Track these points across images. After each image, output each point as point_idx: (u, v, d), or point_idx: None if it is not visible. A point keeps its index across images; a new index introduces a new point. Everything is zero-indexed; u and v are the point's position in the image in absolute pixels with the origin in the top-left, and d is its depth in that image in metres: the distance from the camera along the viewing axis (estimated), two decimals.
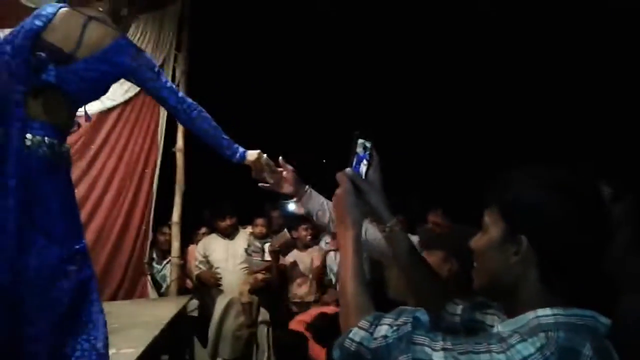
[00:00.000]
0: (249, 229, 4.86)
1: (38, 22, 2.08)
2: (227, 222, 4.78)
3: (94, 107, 4.55)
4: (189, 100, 2.19)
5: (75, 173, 4.45)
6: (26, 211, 1.94)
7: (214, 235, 4.86)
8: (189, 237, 5.22)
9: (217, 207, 4.87)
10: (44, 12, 2.11)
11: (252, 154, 2.17)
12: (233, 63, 6.40)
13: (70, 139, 4.77)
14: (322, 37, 6.35)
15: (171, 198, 4.81)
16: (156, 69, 2.17)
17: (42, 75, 2.02)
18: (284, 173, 1.98)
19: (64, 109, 2.10)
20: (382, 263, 2.28)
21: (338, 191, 1.29)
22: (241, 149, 2.20)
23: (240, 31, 6.17)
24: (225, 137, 2.21)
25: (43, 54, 2.02)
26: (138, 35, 4.57)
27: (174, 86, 2.25)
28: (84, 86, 2.09)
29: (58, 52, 2.05)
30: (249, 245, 4.70)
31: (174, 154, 4.81)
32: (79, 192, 4.48)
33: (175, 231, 4.78)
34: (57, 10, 2.13)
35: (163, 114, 4.71)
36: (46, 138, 2.01)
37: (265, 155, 2.14)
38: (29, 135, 1.98)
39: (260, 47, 6.40)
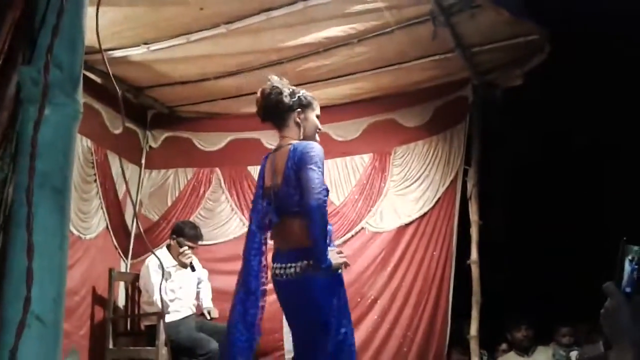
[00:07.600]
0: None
1: None
2: (523, 332, 4.62)
3: (393, 223, 4.94)
4: None
5: (378, 283, 4.83)
6: None
7: (511, 354, 4.63)
8: (491, 355, 5.03)
9: (513, 317, 4.72)
10: None
11: None
12: (520, 174, 6.12)
13: (372, 252, 5.18)
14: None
15: (467, 312, 4.75)
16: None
17: None
18: None
19: None
20: None
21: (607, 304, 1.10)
22: None
23: (527, 142, 5.91)
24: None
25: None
26: (431, 153, 4.93)
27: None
28: None
29: None
30: (553, 355, 4.34)
31: (468, 267, 4.80)
32: (382, 302, 4.80)
33: (473, 345, 4.66)
34: None
35: (455, 226, 4.83)
36: None
37: None
38: None
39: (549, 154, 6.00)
